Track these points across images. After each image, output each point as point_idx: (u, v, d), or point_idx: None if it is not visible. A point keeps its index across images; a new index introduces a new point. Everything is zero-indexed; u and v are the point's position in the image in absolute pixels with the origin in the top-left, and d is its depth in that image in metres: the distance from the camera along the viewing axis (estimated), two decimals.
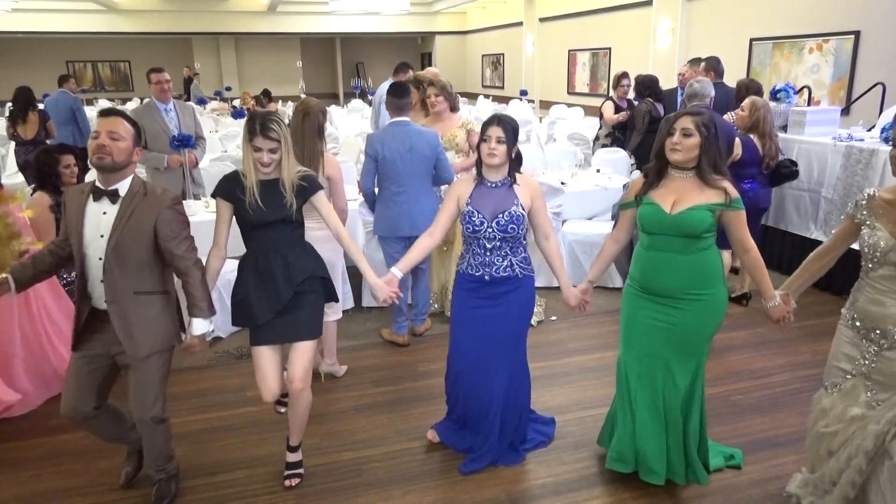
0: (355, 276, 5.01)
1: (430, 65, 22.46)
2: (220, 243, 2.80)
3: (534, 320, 4.75)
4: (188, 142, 5.11)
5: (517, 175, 2.91)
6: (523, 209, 2.86)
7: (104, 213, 2.51)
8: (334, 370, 3.98)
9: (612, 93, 7.13)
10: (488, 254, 2.88)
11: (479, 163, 2.91)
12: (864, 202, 2.40)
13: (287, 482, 2.96)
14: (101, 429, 2.82)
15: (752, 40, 8.99)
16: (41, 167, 3.91)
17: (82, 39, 19.45)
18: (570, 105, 13.38)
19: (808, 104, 6.03)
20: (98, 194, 2.51)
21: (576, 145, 8.06)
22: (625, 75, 7.03)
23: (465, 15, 20.99)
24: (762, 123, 4.63)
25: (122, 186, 2.52)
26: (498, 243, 2.86)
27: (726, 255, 5.09)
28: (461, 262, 3.00)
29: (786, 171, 4.82)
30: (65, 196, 2.62)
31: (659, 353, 2.74)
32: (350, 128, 10.24)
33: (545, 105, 14.87)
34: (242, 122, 10.86)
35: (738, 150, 4.62)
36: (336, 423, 3.52)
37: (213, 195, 2.80)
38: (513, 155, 2.86)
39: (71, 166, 4.00)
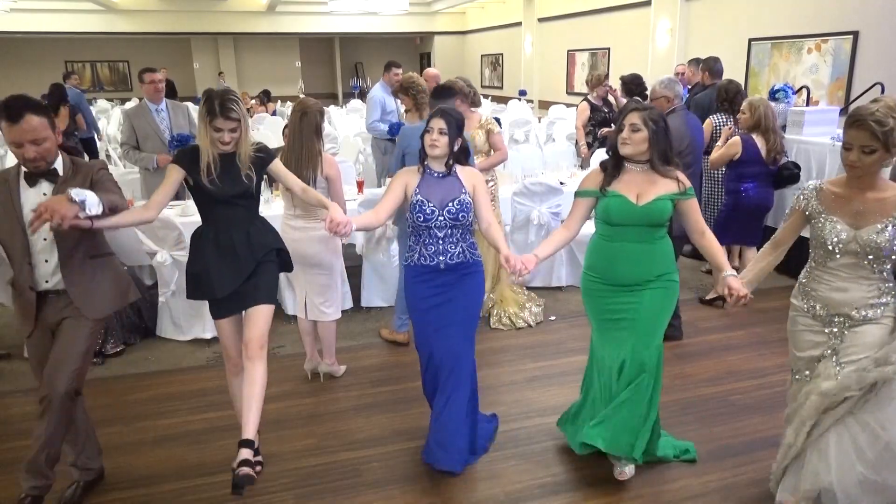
0: (354, 276, 5.04)
1: (429, 65, 22.45)
2: (153, 204, 2.74)
3: (532, 321, 4.76)
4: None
5: (458, 166, 2.97)
6: (469, 197, 2.93)
7: (44, 193, 2.51)
8: (333, 370, 3.98)
9: (591, 94, 6.81)
10: (440, 242, 2.92)
11: (422, 153, 2.97)
12: (812, 194, 2.49)
13: (241, 470, 2.44)
14: (59, 423, 2.63)
15: (750, 40, 8.99)
16: None
17: (81, 39, 19.42)
18: (568, 105, 13.36)
19: (807, 104, 6.03)
20: (33, 179, 2.51)
21: (575, 145, 8.05)
22: (606, 76, 6.95)
23: (464, 15, 20.98)
24: (764, 120, 4.70)
25: (58, 165, 2.55)
26: (449, 231, 2.92)
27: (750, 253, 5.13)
28: (411, 255, 3.01)
29: (788, 174, 4.86)
30: None
31: (622, 337, 2.84)
32: (349, 128, 10.21)
33: (544, 105, 14.87)
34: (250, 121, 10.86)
35: (735, 149, 4.69)
36: (335, 423, 3.52)
37: (172, 161, 2.77)
38: (455, 147, 2.92)
39: None
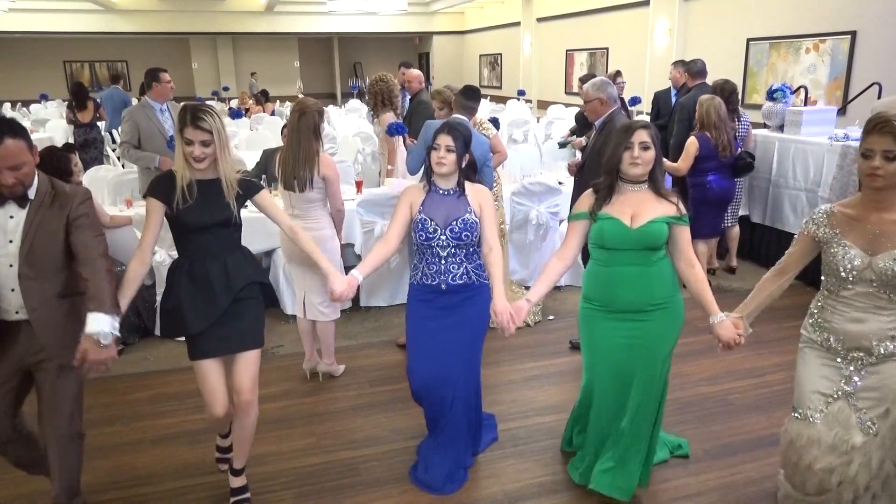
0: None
1: (427, 64, 22.47)
2: (145, 248, 2.53)
3: (531, 320, 4.77)
4: None
5: (466, 183, 2.86)
6: (476, 216, 2.82)
7: (10, 216, 2.33)
8: (332, 370, 3.99)
9: None
10: (443, 262, 2.82)
11: (428, 171, 2.87)
12: (822, 219, 2.33)
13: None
14: (23, 454, 2.59)
15: (748, 40, 9.00)
16: (56, 167, 3.92)
17: (79, 39, 19.40)
18: (567, 105, 13.38)
19: (805, 104, 6.04)
20: (1, 198, 2.31)
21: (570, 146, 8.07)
22: (618, 73, 7.02)
23: (462, 15, 20.99)
24: (706, 118, 5.05)
25: (31, 189, 2.34)
26: (452, 251, 2.81)
27: (702, 246, 5.20)
28: (414, 273, 2.92)
29: (742, 164, 5.25)
30: None
31: (627, 369, 2.70)
32: (348, 128, 10.22)
33: (542, 105, 14.88)
34: (240, 122, 10.87)
35: (693, 148, 5.05)
36: (334, 423, 3.53)
37: (145, 195, 2.59)
38: (463, 164, 2.82)
39: (78, 164, 4.06)
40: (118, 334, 2.28)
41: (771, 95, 5.94)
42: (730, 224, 5.63)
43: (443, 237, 2.78)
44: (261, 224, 4.72)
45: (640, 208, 2.59)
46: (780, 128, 5.86)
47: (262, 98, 13.47)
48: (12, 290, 2.35)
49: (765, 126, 6.21)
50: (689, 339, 4.42)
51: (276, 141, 8.60)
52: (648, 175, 2.61)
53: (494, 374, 4.03)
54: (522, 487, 2.97)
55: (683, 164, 5.11)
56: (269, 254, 5.42)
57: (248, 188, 2.64)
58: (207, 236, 2.56)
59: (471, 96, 4.29)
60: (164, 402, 3.75)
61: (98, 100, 8.56)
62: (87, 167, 6.84)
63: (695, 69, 6.26)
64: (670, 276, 2.67)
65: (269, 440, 3.32)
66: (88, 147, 7.82)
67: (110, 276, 2.35)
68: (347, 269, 4.46)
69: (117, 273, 2.58)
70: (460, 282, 2.84)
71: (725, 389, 3.80)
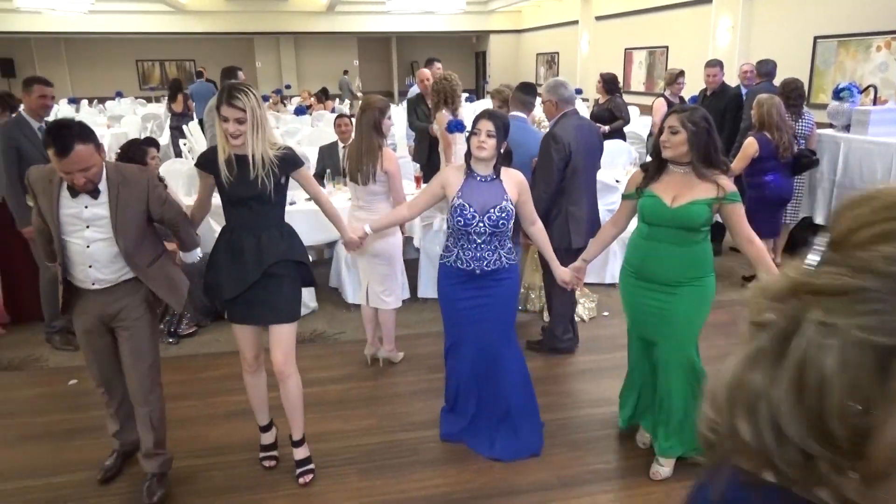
0: (411, 268, 5.19)
1: (483, 63, 22.55)
2: (203, 201, 2.92)
3: (586, 315, 4.83)
4: None
5: (502, 169, 2.98)
6: (512, 203, 2.95)
7: (85, 206, 2.59)
8: (392, 356, 4.15)
9: (666, 91, 7.10)
10: (478, 248, 2.94)
11: (468, 155, 2.98)
12: None
13: (301, 479, 2.96)
14: (155, 410, 2.90)
15: (816, 38, 8.77)
16: (131, 158, 4.20)
17: (151, 39, 20.26)
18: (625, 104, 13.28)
19: (874, 103, 5.90)
20: (75, 191, 2.56)
21: (631, 143, 8.04)
22: (681, 73, 7.01)
23: (520, 14, 20.99)
24: (767, 118, 4.95)
25: (101, 183, 2.60)
26: (488, 237, 2.93)
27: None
28: (447, 255, 3.04)
29: (806, 161, 5.19)
30: (29, 178, 2.65)
31: (650, 335, 2.93)
32: (405, 125, 10.40)
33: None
34: (303, 119, 11.22)
35: (752, 149, 4.97)
36: (393, 406, 3.68)
37: (195, 165, 2.86)
38: (501, 150, 2.94)
39: (156, 157, 4.32)
40: (200, 255, 2.95)
41: (837, 95, 5.83)
42: (788, 222, 5.57)
43: (481, 224, 2.90)
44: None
45: (683, 189, 2.74)
46: (847, 128, 5.75)
47: (323, 96, 13.84)
48: (89, 266, 2.67)
49: (830, 126, 6.09)
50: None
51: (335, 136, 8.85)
52: (693, 157, 2.71)
53: (548, 366, 4.12)
54: (575, 474, 3.06)
55: (738, 164, 5.01)
56: (331, 245, 5.65)
57: (286, 164, 2.74)
58: (245, 210, 2.74)
59: (528, 91, 4.34)
60: (234, 380, 3.95)
61: (188, 92, 10.29)
62: (177, 148, 9.68)
63: (763, 69, 6.27)
64: (705, 258, 2.84)
65: (332, 419, 3.50)
66: (181, 132, 9.76)
67: (186, 222, 2.90)
68: (407, 262, 4.65)
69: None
70: (494, 266, 2.99)
71: None
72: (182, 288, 2.95)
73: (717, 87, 6.38)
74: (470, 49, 23.42)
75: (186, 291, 2.99)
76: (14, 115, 4.32)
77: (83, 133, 2.49)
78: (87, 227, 2.63)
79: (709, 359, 4.07)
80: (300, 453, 3.04)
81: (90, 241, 2.63)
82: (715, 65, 6.34)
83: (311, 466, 3.04)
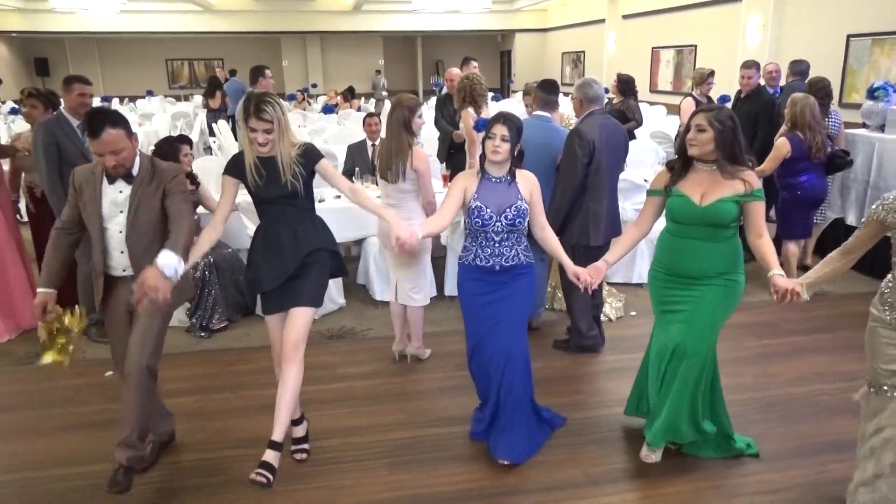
0: (437, 266, 5.23)
1: (508, 62, 22.52)
2: (219, 219, 2.89)
3: (613, 315, 4.82)
4: None
5: (516, 171, 3.04)
6: (526, 203, 3.00)
7: (120, 191, 2.77)
8: (419, 353, 4.19)
9: (695, 90, 7.04)
10: (497, 245, 3.01)
11: (482, 158, 3.04)
12: (892, 206, 2.38)
13: (252, 476, 2.64)
14: (143, 398, 2.83)
15: (849, 36, 8.63)
16: (165, 155, 4.30)
17: (180, 39, 20.59)
18: (651, 103, 13.18)
19: None
20: (112, 178, 2.75)
21: (658, 143, 8.00)
22: (711, 73, 6.94)
23: (545, 12, 20.93)
24: (800, 118, 4.90)
25: (134, 167, 2.78)
26: (506, 235, 3.00)
27: (792, 246, 5.10)
28: (465, 255, 3.10)
29: (840, 161, 5.11)
30: (73, 176, 2.82)
31: (678, 328, 2.91)
32: (431, 124, 10.44)
33: None
34: (330, 117, 11.37)
35: (784, 149, 4.92)
36: (421, 401, 3.72)
37: (224, 173, 2.91)
38: (515, 152, 2.99)
39: (188, 154, 4.40)
40: (179, 277, 2.53)
41: (871, 94, 5.74)
42: (818, 222, 5.50)
43: (498, 224, 2.97)
44: (351, 213, 5.04)
45: (711, 187, 2.77)
46: (881, 128, 5.66)
47: (349, 95, 13.94)
48: (121, 252, 2.82)
49: (864, 126, 6.00)
50: (775, 341, 4.41)
51: (362, 135, 8.93)
52: (719, 155, 2.75)
53: (576, 364, 4.13)
54: (603, 472, 3.07)
55: (769, 165, 4.97)
56: (358, 242, 5.71)
57: (309, 159, 2.86)
58: (278, 207, 2.86)
59: (550, 90, 4.30)
60: (266, 374, 4.02)
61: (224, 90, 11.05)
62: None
63: (797, 68, 6.21)
64: (735, 253, 2.86)
65: (361, 414, 3.55)
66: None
67: (190, 234, 2.74)
68: (434, 259, 4.69)
69: (225, 255, 2.93)
70: (512, 263, 3.04)
71: (813, 391, 3.75)
72: (184, 290, 3.01)
73: (753, 90, 6.17)
74: (495, 48, 23.41)
75: (189, 293, 3.14)
76: (55, 113, 4.43)
77: (114, 118, 2.68)
78: (121, 212, 2.79)
79: (739, 360, 4.09)
80: (270, 456, 2.71)
81: (122, 226, 2.79)
82: (751, 66, 6.10)
83: (270, 477, 2.66)
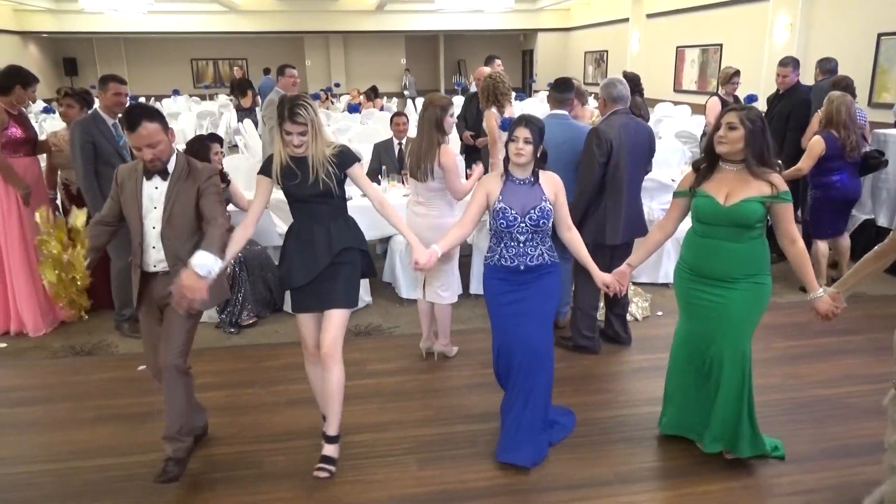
0: (463, 265, 5.25)
1: (531, 61, 22.47)
2: (252, 218, 2.96)
3: (639, 315, 4.82)
4: None
5: (539, 172, 3.06)
6: (550, 204, 3.02)
7: (156, 187, 2.84)
8: (446, 350, 4.22)
9: (720, 90, 6.99)
10: (522, 245, 3.03)
11: (506, 160, 3.06)
12: None
13: (316, 472, 2.97)
14: (178, 394, 2.93)
15: (880, 35, 8.51)
16: (196, 154, 4.37)
17: (205, 39, 20.84)
18: (676, 103, 13.09)
19: None
20: (149, 174, 2.83)
21: (683, 143, 7.95)
22: (737, 73, 6.88)
23: (568, 11, 20.86)
24: (836, 116, 4.85)
25: (170, 164, 2.85)
26: (530, 236, 3.02)
27: (822, 245, 5.05)
28: (491, 256, 3.12)
29: (874, 162, 5.07)
30: (117, 173, 2.92)
31: (705, 332, 2.94)
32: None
33: (649, 103, 14.56)
34: (354, 116, 11.46)
35: (819, 148, 4.87)
36: (449, 398, 3.75)
37: (259, 173, 2.98)
38: (538, 154, 3.01)
39: (219, 153, 4.46)
40: (214, 277, 2.60)
41: None
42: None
43: (522, 224, 2.99)
44: (372, 213, 5.06)
45: (735, 187, 2.77)
46: None
47: (372, 94, 14.03)
48: (153, 247, 2.88)
49: (895, 125, 5.92)
50: (803, 342, 4.38)
51: (387, 134, 8.98)
52: (748, 154, 2.75)
53: (602, 363, 4.13)
54: (632, 470, 3.08)
55: (805, 163, 4.95)
56: (384, 241, 5.76)
57: (343, 161, 2.92)
58: (312, 205, 2.92)
59: (562, 89, 4.29)
60: (295, 370, 4.07)
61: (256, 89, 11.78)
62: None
63: (826, 67, 6.14)
64: (761, 255, 2.85)
65: (390, 410, 3.59)
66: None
67: (224, 233, 2.79)
68: (460, 258, 4.71)
69: (255, 252, 2.96)
70: (537, 262, 3.07)
71: (843, 393, 3.72)
72: (219, 291, 3.04)
73: (789, 88, 5.90)
74: (517, 47, 23.38)
75: (222, 294, 3.17)
76: (91, 112, 4.53)
77: (150, 113, 2.77)
78: (155, 207, 2.85)
79: (767, 360, 4.06)
80: (330, 450, 3.04)
81: (155, 221, 2.86)
82: (787, 63, 5.89)
83: (333, 469, 3.01)
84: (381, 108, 13.13)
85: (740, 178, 2.78)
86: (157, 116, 2.78)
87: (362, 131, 9.70)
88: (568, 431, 3.35)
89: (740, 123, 2.73)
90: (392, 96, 16.73)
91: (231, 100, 12.43)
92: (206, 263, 2.56)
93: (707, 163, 2.88)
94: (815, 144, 4.91)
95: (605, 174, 3.93)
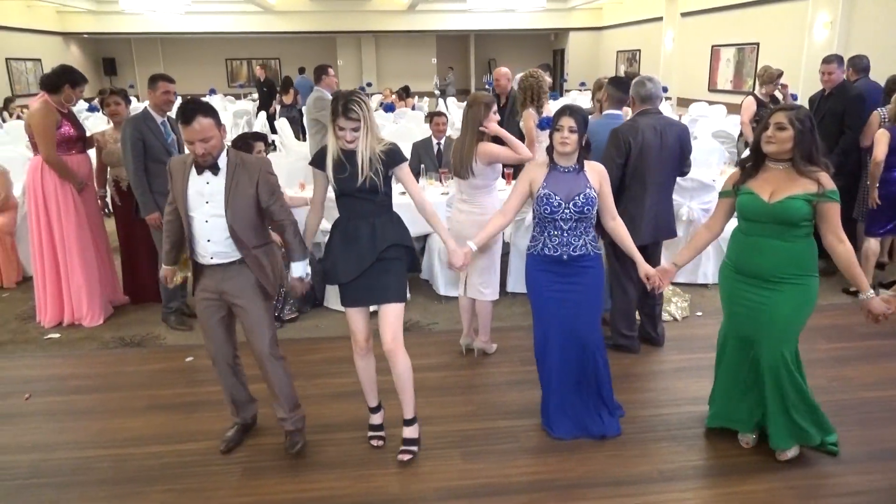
0: (501, 264, 5.27)
1: (562, 61, 22.36)
2: (318, 201, 3.11)
3: (679, 315, 4.80)
4: None
5: (585, 161, 3.10)
6: (595, 192, 3.06)
7: (207, 182, 2.90)
8: (486, 347, 4.26)
9: (758, 89, 6.85)
10: (565, 234, 3.08)
11: (550, 149, 3.11)
12: None
13: (400, 456, 3.14)
14: (233, 383, 3.24)
15: None
16: (238, 150, 4.48)
17: (240, 39, 21.14)
18: (711, 103, 12.95)
19: None
20: (200, 168, 2.89)
21: (721, 143, 7.88)
22: (781, 74, 6.78)
23: (600, 10, 20.71)
24: None
25: (221, 159, 2.90)
26: (574, 224, 3.06)
27: (874, 244, 4.96)
28: (534, 245, 3.17)
29: None
30: (170, 165, 3.00)
31: (747, 332, 2.95)
32: None
33: (683, 103, 14.45)
34: (389, 115, 11.56)
35: (884, 142, 4.78)
36: (490, 394, 3.79)
37: (310, 163, 3.07)
38: (583, 143, 3.05)
39: (262, 151, 4.56)
40: (309, 271, 3.01)
41: None
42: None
43: (566, 211, 3.04)
44: (413, 211, 5.11)
45: (781, 185, 2.77)
46: None
47: (404, 94, 14.13)
48: (207, 240, 2.95)
49: None
50: (849, 344, 4.32)
51: (421, 133, 9.06)
52: (797, 154, 2.74)
53: (641, 363, 4.15)
54: (675, 468, 3.08)
55: (880, 149, 4.81)
56: (420, 239, 5.80)
57: (391, 159, 2.96)
58: (358, 200, 2.96)
59: (622, 87, 4.32)
60: (337, 364, 4.17)
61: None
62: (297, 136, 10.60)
63: (860, 65, 6.01)
64: (806, 255, 2.83)
65: (433, 405, 3.64)
66: (290, 121, 11.08)
67: (294, 228, 3.00)
68: (503, 256, 4.74)
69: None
70: (580, 252, 3.11)
71: (890, 396, 3.68)
72: (276, 277, 3.16)
73: (837, 86, 5.65)
74: (548, 47, 23.29)
75: (279, 280, 3.25)
76: (141, 111, 4.66)
77: (205, 108, 2.85)
78: (207, 202, 2.92)
79: (810, 362, 3.99)
80: (409, 432, 3.21)
81: (208, 215, 2.92)
82: (832, 61, 5.64)
83: (415, 449, 3.19)
84: (413, 108, 13.22)
85: (787, 176, 2.78)
86: (211, 112, 2.86)
87: (395, 130, 9.78)
88: (614, 431, 3.35)
89: (790, 124, 2.73)
90: (423, 95, 16.79)
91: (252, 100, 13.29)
92: (299, 271, 3.04)
93: (752, 161, 2.89)
94: (880, 137, 4.83)
95: (625, 175, 3.95)
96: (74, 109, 5.13)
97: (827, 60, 5.71)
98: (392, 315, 3.04)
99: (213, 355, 3.19)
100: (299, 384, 3.89)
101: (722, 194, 3.04)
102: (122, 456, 3.27)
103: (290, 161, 6.67)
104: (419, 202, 3.10)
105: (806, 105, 6.32)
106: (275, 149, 9.80)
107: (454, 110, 12.97)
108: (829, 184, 2.74)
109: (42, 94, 4.70)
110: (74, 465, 3.20)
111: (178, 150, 4.73)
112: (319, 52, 20.99)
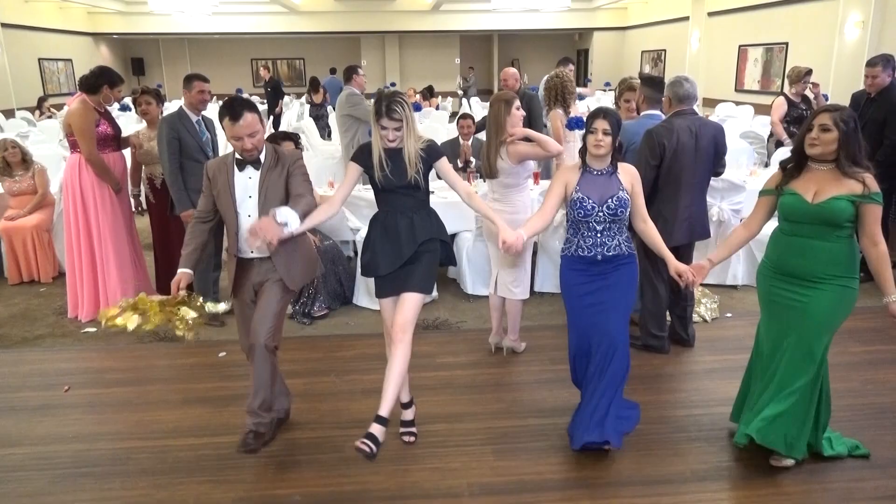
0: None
1: (586, 61, 22.27)
2: (338, 199, 3.12)
3: (709, 316, 4.78)
4: None
5: (618, 164, 3.11)
6: (627, 194, 3.06)
7: (249, 177, 3.00)
8: (515, 346, 4.28)
9: (787, 89, 6.81)
10: (599, 235, 3.09)
11: (583, 152, 3.12)
12: None
13: (357, 443, 2.79)
14: (264, 371, 3.06)
15: None
16: None
17: (264, 39, 21.37)
18: (738, 103, 12.83)
19: None
20: (242, 164, 3.00)
21: (750, 143, 7.81)
22: (809, 72, 6.71)
23: (625, 10, 20.62)
24: None
25: (262, 154, 3.02)
26: (608, 225, 3.08)
27: None
28: (567, 246, 3.18)
29: None
30: (207, 168, 3.07)
31: (785, 332, 2.91)
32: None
33: (709, 103, 14.32)
34: (416, 115, 11.73)
35: None
36: (520, 393, 3.81)
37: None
38: (616, 145, 3.05)
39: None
40: (290, 228, 2.79)
41: None
42: None
43: (600, 213, 3.05)
44: (444, 209, 5.14)
45: (824, 186, 2.75)
46: None
47: (428, 94, 14.20)
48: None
49: None
50: (883, 347, 4.28)
51: (446, 133, 9.10)
52: (842, 155, 2.72)
53: (672, 363, 4.14)
54: (708, 469, 3.07)
55: None
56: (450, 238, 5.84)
57: (431, 155, 3.05)
58: (399, 196, 3.04)
59: (658, 87, 4.32)
60: (368, 360, 4.20)
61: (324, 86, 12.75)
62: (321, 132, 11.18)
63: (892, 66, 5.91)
64: (847, 257, 2.80)
65: (464, 402, 3.67)
66: (319, 119, 11.94)
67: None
68: (531, 256, 4.76)
69: (327, 246, 3.13)
70: (614, 252, 3.11)
71: None
72: (311, 267, 3.25)
73: (881, 90, 5.33)
74: (572, 46, 23.20)
75: (315, 271, 3.32)
76: (177, 109, 4.75)
77: (250, 104, 2.95)
78: (250, 196, 3.02)
79: (841, 365, 3.99)
80: (375, 429, 2.85)
81: (252, 209, 3.02)
82: (876, 63, 5.27)
83: (374, 448, 2.80)
84: (437, 108, 13.28)
85: (831, 177, 2.76)
86: (255, 108, 2.97)
87: (421, 129, 9.83)
88: (634, 424, 3.34)
89: (834, 125, 2.70)
90: (446, 95, 16.84)
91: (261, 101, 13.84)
92: (285, 213, 2.78)
93: (795, 162, 2.87)
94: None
95: (657, 176, 3.94)
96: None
97: (871, 63, 5.36)
98: (409, 302, 3.03)
99: (247, 349, 3.25)
100: (330, 380, 3.99)
101: (763, 192, 3.01)
102: (161, 447, 3.34)
103: (319, 161, 6.74)
104: (464, 191, 3.15)
105: (847, 103, 6.24)
106: (302, 149, 9.88)
107: (478, 111, 13.00)
108: (874, 185, 2.72)
109: (80, 94, 4.81)
110: (114, 455, 3.28)
111: (213, 149, 4.81)
112: (343, 52, 21.16)
